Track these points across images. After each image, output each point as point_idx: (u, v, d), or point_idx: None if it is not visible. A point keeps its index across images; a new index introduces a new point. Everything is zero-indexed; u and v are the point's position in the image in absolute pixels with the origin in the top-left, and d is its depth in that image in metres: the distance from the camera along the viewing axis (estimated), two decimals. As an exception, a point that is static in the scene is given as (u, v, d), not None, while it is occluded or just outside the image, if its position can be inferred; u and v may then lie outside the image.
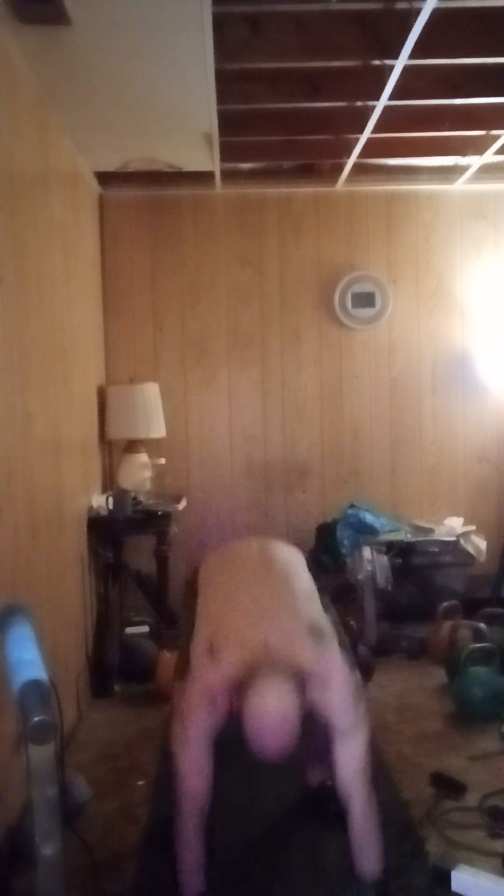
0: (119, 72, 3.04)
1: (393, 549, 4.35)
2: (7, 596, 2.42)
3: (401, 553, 4.36)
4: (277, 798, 2.79)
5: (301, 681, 2.07)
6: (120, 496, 4.05)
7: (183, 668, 2.33)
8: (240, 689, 2.06)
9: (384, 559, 4.26)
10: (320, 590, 2.68)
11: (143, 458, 4.37)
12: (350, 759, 2.15)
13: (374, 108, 3.44)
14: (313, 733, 2.58)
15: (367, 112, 3.52)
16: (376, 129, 3.69)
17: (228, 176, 4.50)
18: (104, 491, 4.31)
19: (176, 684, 2.34)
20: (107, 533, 4.04)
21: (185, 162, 4.27)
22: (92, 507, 3.99)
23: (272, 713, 1.97)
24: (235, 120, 3.60)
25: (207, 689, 2.13)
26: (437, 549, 4.43)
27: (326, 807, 2.62)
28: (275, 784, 2.88)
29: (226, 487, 4.79)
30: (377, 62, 3.00)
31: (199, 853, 2.14)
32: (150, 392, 4.39)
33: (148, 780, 2.99)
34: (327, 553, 4.37)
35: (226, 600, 2.42)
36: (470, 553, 4.42)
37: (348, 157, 4.15)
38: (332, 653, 2.23)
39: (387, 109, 3.44)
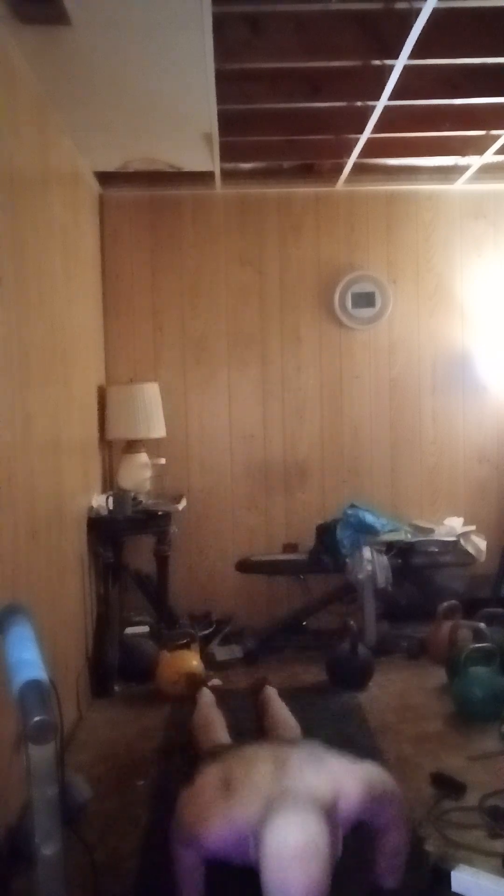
0: (119, 72, 3.04)
1: (393, 549, 4.35)
2: (7, 596, 2.42)
3: (401, 553, 4.36)
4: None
5: (329, 809, 1.88)
6: (120, 496, 4.05)
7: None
8: (256, 830, 1.84)
9: (384, 559, 4.26)
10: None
11: (143, 458, 4.37)
12: (392, 843, 2.15)
13: (374, 108, 3.44)
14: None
15: (367, 112, 3.52)
16: (376, 129, 3.69)
17: (228, 176, 4.50)
18: (104, 491, 4.31)
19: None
20: (107, 533, 4.04)
21: (185, 162, 4.27)
22: (92, 507, 3.99)
23: (295, 846, 1.73)
24: (235, 120, 3.60)
25: (222, 827, 1.93)
26: (437, 549, 4.43)
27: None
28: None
29: (226, 487, 4.79)
30: (377, 62, 3.00)
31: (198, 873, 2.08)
32: (150, 392, 4.39)
33: (148, 780, 2.99)
34: (327, 553, 4.37)
35: (241, 754, 2.29)
36: (470, 553, 4.42)
37: (348, 157, 4.15)
38: (342, 764, 2.13)
39: (387, 109, 3.44)
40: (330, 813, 1.88)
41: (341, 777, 2.05)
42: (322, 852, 1.76)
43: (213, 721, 3.11)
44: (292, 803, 1.85)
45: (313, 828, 1.78)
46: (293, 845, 1.74)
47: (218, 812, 1.98)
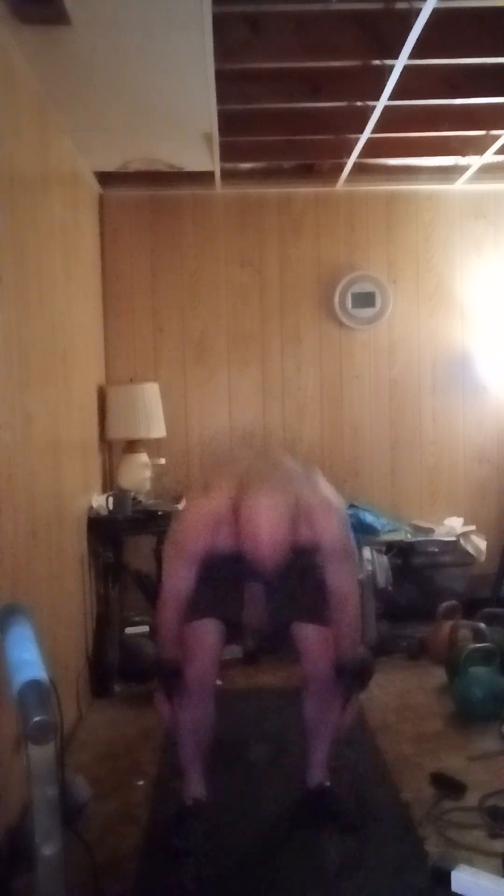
0: (119, 72, 3.04)
1: (393, 549, 4.35)
2: (7, 596, 2.42)
3: (401, 553, 4.36)
4: (277, 798, 2.79)
5: (295, 501, 2.22)
6: (120, 496, 4.04)
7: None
8: (235, 507, 2.20)
9: (384, 559, 4.26)
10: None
11: (143, 458, 4.37)
12: (343, 576, 2.40)
13: (374, 108, 3.44)
14: (307, 725, 2.60)
15: (367, 112, 3.52)
16: (376, 129, 3.69)
17: (228, 176, 4.50)
18: (104, 491, 4.31)
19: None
20: (107, 533, 4.04)
21: (185, 162, 4.27)
22: (92, 507, 3.99)
23: (265, 503, 2.14)
24: (235, 120, 3.59)
25: (203, 511, 2.34)
26: (437, 549, 4.43)
27: (326, 807, 2.63)
28: (274, 784, 2.88)
29: (226, 487, 4.78)
30: (377, 62, 3.00)
31: (177, 630, 2.41)
32: (150, 392, 4.39)
33: (148, 780, 2.99)
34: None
35: (219, 464, 2.69)
36: (470, 553, 4.42)
37: (348, 157, 4.15)
38: (325, 486, 2.44)
39: (387, 109, 3.44)
40: (297, 506, 2.23)
41: (323, 498, 2.40)
42: (286, 514, 2.16)
43: None
44: (264, 480, 2.24)
45: (281, 503, 2.17)
46: (263, 512, 2.14)
47: (203, 504, 2.39)
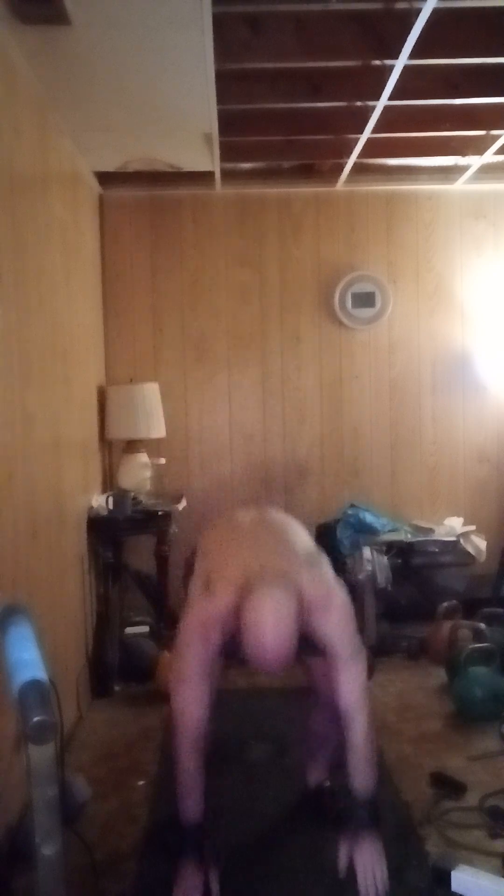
0: (119, 72, 3.04)
1: (393, 549, 4.35)
2: (7, 596, 2.42)
3: (401, 553, 4.36)
4: (277, 798, 2.79)
5: (299, 599, 2.10)
6: (120, 496, 4.05)
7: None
8: (237, 610, 2.08)
9: (384, 559, 4.26)
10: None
11: (143, 458, 4.37)
12: (351, 682, 2.23)
13: (374, 108, 3.44)
14: (312, 733, 2.60)
15: (367, 112, 3.52)
16: (376, 129, 3.69)
17: (228, 176, 4.50)
18: (104, 491, 4.31)
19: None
20: (107, 533, 4.04)
21: (185, 162, 4.27)
22: (92, 507, 3.99)
23: (270, 615, 2.00)
24: (235, 120, 3.59)
25: (201, 622, 2.17)
26: (437, 549, 4.43)
27: (326, 807, 2.63)
28: (275, 784, 2.88)
29: (226, 487, 4.79)
30: (377, 62, 3.00)
31: (200, 781, 2.19)
32: (150, 392, 4.39)
33: (148, 780, 2.99)
34: (327, 553, 4.36)
35: (223, 547, 2.45)
36: (470, 553, 4.42)
37: (348, 157, 4.15)
38: (329, 578, 2.31)
39: (387, 109, 3.44)
40: (296, 595, 2.10)
41: (328, 590, 2.25)
42: (291, 623, 2.02)
43: None
44: (268, 582, 2.09)
45: (285, 605, 2.04)
46: (270, 612, 2.01)
47: (201, 603, 2.22)
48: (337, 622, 2.20)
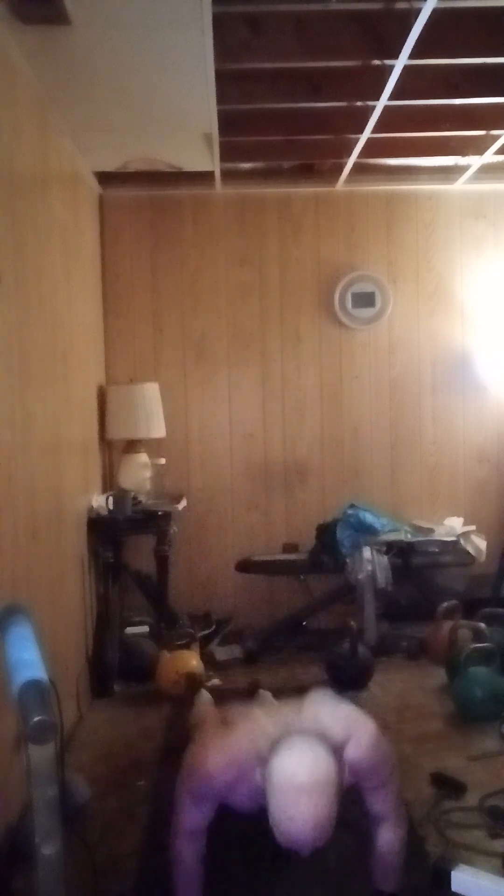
0: (119, 72, 3.04)
1: (393, 549, 4.35)
2: (7, 596, 2.42)
3: (401, 553, 4.36)
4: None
5: (337, 748, 1.89)
6: (120, 496, 4.05)
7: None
8: (261, 765, 1.85)
9: (384, 559, 4.26)
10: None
11: (143, 458, 4.37)
12: (384, 802, 2.11)
13: (374, 108, 3.44)
14: None
15: (367, 112, 3.52)
16: (376, 129, 3.69)
17: (228, 176, 4.50)
18: (104, 491, 4.31)
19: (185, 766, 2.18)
20: (107, 533, 4.04)
21: (185, 162, 4.27)
22: (92, 507, 3.99)
23: (303, 777, 1.72)
24: (235, 120, 3.60)
25: (210, 766, 1.98)
26: (437, 549, 4.43)
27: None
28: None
29: (226, 487, 4.79)
30: (377, 62, 3.00)
31: (196, 868, 2.10)
32: (150, 392, 4.39)
33: (148, 780, 2.99)
34: (327, 553, 4.37)
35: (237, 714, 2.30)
36: (470, 553, 4.42)
37: (348, 157, 4.15)
38: (356, 713, 2.16)
39: (387, 109, 3.44)
40: (338, 751, 1.88)
41: (353, 722, 2.06)
42: (330, 784, 1.74)
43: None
44: (300, 736, 1.83)
45: (322, 760, 1.77)
46: (301, 777, 1.73)
47: (223, 745, 2.00)
48: (368, 750, 2.00)
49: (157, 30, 2.68)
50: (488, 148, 4.08)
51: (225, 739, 2.05)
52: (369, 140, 3.85)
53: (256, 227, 4.75)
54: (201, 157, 4.13)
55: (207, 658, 4.16)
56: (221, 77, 3.06)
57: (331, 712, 2.09)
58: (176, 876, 2.12)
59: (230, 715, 2.24)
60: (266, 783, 1.81)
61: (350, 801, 2.29)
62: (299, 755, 1.78)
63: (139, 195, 4.68)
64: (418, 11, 2.54)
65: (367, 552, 4.24)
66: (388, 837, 2.14)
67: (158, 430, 4.41)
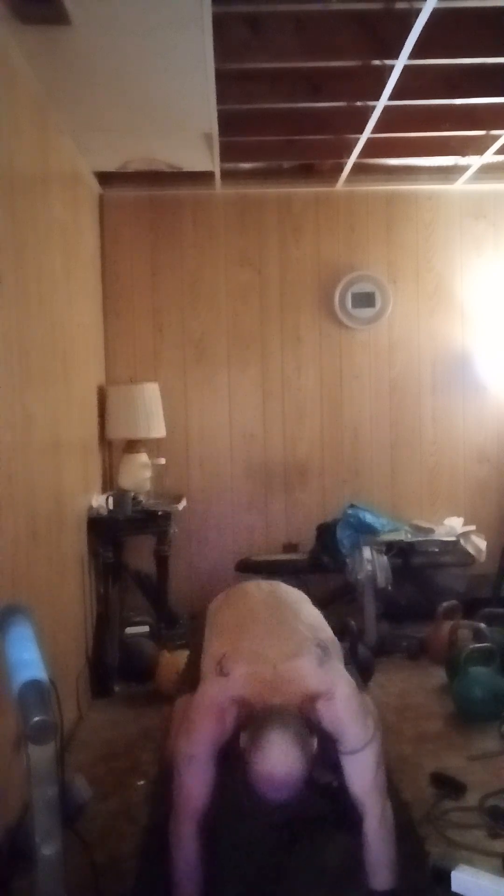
0: (119, 72, 3.04)
1: (393, 549, 4.35)
2: (7, 596, 2.42)
3: (401, 553, 4.36)
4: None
5: (308, 707, 2.06)
6: (120, 496, 4.05)
7: (190, 685, 2.32)
8: (247, 718, 2.02)
9: (384, 559, 4.26)
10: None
11: (143, 458, 4.37)
12: (361, 774, 2.14)
13: (374, 108, 3.44)
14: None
15: (367, 112, 3.52)
16: (376, 129, 3.69)
17: (228, 176, 4.50)
18: (104, 491, 4.31)
19: (181, 700, 2.33)
20: (107, 533, 4.04)
21: (184, 162, 4.27)
22: (92, 507, 3.99)
23: (278, 766, 1.91)
24: (235, 120, 3.59)
25: (216, 702, 2.11)
26: (437, 549, 4.43)
27: (329, 808, 2.62)
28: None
29: (226, 487, 4.79)
30: (377, 62, 3.00)
31: (196, 861, 2.10)
32: (150, 392, 4.39)
33: (148, 780, 2.99)
34: (327, 553, 4.37)
35: (235, 624, 2.43)
36: (470, 553, 4.42)
37: (348, 157, 4.15)
38: (337, 671, 2.24)
39: (387, 109, 3.44)
40: (313, 700, 2.08)
41: (334, 674, 2.20)
42: (301, 767, 1.94)
43: None
44: (279, 720, 1.98)
45: (295, 750, 1.94)
46: (278, 763, 1.92)
47: (201, 696, 2.17)
48: (343, 711, 2.11)
49: (157, 30, 2.68)
50: (488, 148, 4.08)
51: (201, 692, 2.19)
52: (369, 140, 3.85)
53: (256, 228, 4.75)
54: (201, 157, 4.13)
55: (207, 658, 4.16)
56: (221, 77, 3.05)
57: (317, 665, 2.19)
58: (175, 873, 2.11)
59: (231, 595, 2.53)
60: (247, 751, 1.96)
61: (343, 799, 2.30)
62: (275, 746, 1.93)
63: (139, 195, 4.68)
64: (418, 11, 2.54)
65: (367, 552, 4.24)
66: (373, 827, 2.12)
67: (158, 430, 4.41)
